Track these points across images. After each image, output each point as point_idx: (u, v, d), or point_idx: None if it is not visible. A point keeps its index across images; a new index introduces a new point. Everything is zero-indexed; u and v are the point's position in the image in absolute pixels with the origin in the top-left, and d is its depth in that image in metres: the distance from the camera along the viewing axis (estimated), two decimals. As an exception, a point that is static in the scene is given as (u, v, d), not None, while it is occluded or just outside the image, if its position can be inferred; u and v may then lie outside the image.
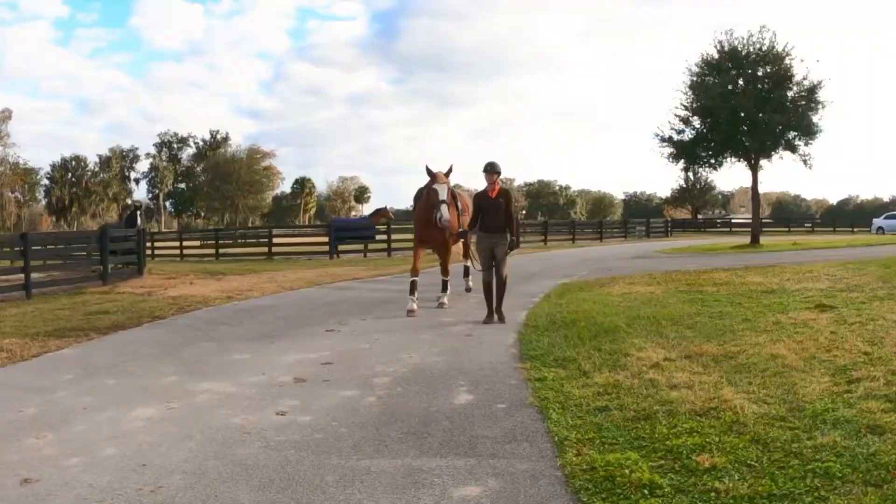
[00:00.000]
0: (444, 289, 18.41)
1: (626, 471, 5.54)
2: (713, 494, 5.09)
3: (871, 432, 6.29)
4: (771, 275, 20.80)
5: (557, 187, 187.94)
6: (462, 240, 18.88)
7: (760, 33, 45.31)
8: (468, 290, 20.15)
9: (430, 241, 18.51)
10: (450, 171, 17.93)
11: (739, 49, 45.18)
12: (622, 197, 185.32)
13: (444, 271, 18.55)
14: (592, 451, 6.14)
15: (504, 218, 15.47)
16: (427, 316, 15.97)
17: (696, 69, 46.89)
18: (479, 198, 15.91)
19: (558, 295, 18.56)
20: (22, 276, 23.25)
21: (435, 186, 17.22)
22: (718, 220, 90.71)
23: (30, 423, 7.93)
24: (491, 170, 15.59)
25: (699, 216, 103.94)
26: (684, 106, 47.28)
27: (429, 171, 17.57)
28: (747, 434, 6.35)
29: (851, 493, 5.07)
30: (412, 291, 16.99)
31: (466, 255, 20.12)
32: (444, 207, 16.80)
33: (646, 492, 5.20)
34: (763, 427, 6.53)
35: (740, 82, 45.22)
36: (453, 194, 18.40)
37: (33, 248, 24.55)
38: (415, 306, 16.52)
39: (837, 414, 6.86)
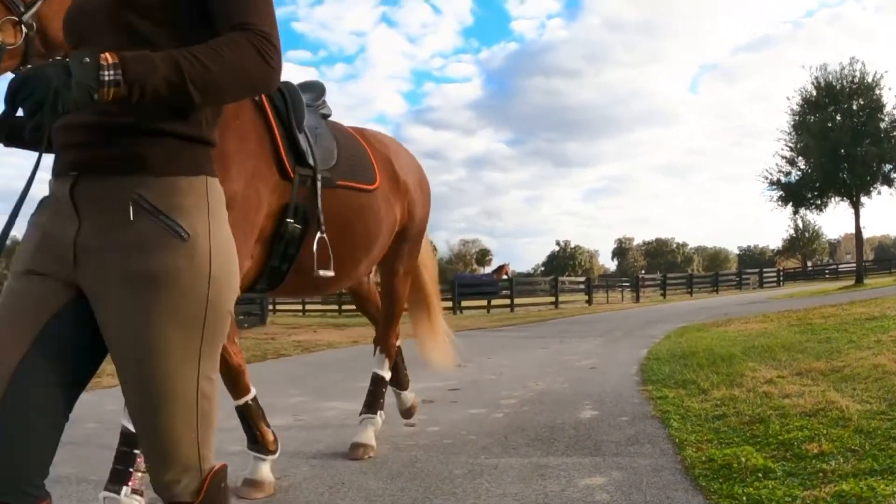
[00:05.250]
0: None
1: (743, 459, 5.64)
2: (821, 475, 5.18)
3: (973, 418, 6.25)
4: (873, 305, 20.51)
5: (675, 245, 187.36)
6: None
7: (851, 65, 44.85)
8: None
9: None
10: None
11: (834, 84, 44.65)
12: (736, 251, 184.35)
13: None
14: (711, 448, 6.23)
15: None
16: (551, 353, 15.70)
17: (796, 108, 46.55)
18: None
19: (678, 335, 18.37)
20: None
21: None
22: (827, 270, 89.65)
23: (117, 417, 8.07)
24: None
25: (808, 265, 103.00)
26: (789, 147, 46.99)
27: None
28: (851, 426, 6.40)
29: (952, 463, 5.10)
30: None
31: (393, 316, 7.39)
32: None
33: (760, 475, 5.30)
34: (866, 420, 6.57)
35: (837, 117, 44.63)
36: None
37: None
38: None
39: (938, 406, 6.84)
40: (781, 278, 72.84)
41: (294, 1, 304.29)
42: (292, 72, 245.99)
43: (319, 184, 5.32)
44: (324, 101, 6.07)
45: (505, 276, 51.32)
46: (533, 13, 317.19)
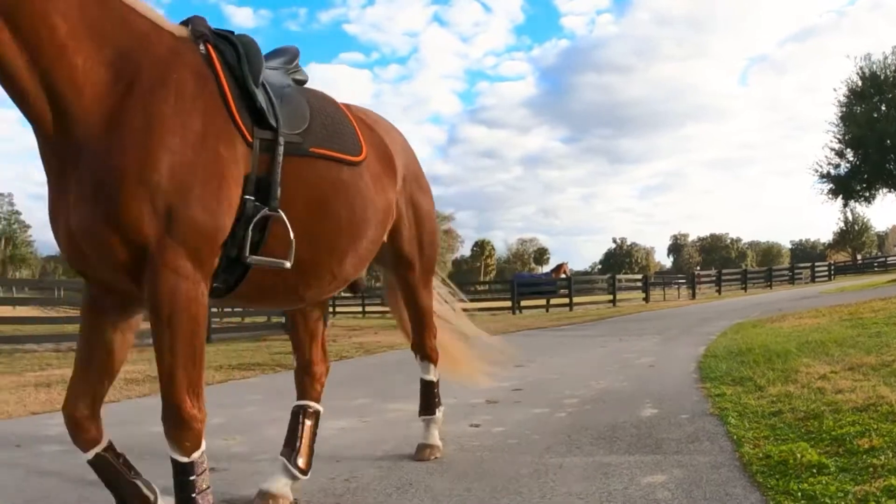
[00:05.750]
0: None
1: (798, 455, 5.71)
2: (871, 469, 5.26)
3: None
4: (921, 298, 20.39)
5: (729, 240, 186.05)
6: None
7: (893, 54, 43.98)
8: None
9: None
10: None
11: (878, 73, 43.75)
12: (789, 245, 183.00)
13: None
14: (768, 445, 6.31)
15: None
16: (610, 352, 15.84)
17: (843, 99, 45.74)
18: None
19: (734, 331, 18.47)
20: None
21: None
22: (876, 263, 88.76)
23: (217, 430, 7.93)
24: None
25: (858, 258, 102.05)
26: (837, 138, 46.23)
27: None
28: (901, 420, 6.47)
29: None
30: None
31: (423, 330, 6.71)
32: None
33: (814, 471, 5.38)
34: (916, 415, 6.64)
35: (882, 107, 43.81)
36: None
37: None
38: None
39: None
40: (832, 272, 72.23)
41: (345, 3, 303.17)
42: (345, 73, 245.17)
43: (281, 148, 4.36)
44: (297, 66, 5.20)
45: (563, 275, 51.44)
46: (582, 9, 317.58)
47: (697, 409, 8.48)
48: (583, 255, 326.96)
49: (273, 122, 4.33)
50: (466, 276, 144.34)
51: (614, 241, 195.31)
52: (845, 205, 50.95)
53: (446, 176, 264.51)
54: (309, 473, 5.58)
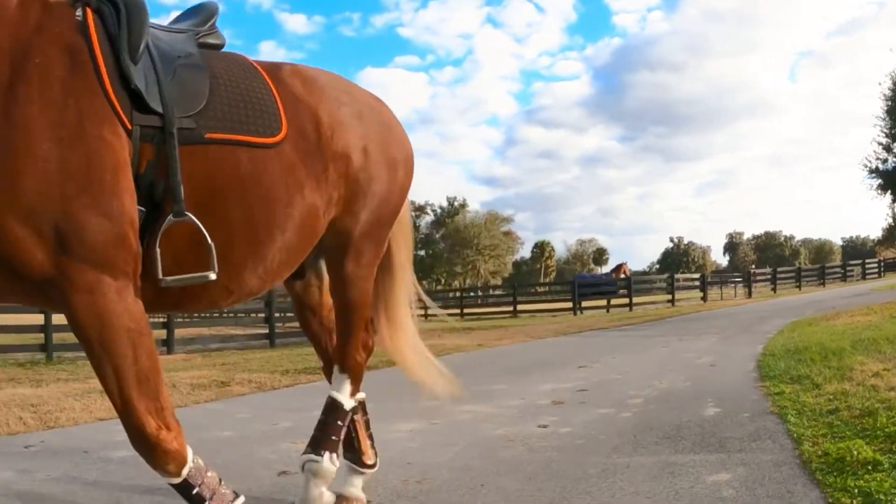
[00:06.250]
0: None
1: (854, 452, 5.80)
2: None
3: None
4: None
5: (783, 238, 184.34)
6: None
7: None
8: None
9: None
10: None
11: None
12: (840, 242, 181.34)
13: None
14: (826, 442, 6.41)
15: None
16: (671, 351, 15.94)
17: (888, 93, 45.08)
18: None
19: (790, 330, 18.58)
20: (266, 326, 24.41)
21: None
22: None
23: (285, 433, 8.07)
24: None
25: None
26: (884, 132, 45.56)
27: None
28: (954, 418, 6.54)
29: None
30: None
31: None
32: None
33: (869, 468, 5.50)
34: (966, 411, 6.71)
35: None
36: None
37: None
38: None
39: None
40: (882, 268, 71.64)
41: (398, 6, 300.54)
42: (401, 77, 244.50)
43: (175, 140, 3.46)
44: (212, 27, 4.17)
45: (623, 276, 51.53)
46: (633, 7, 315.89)
47: (758, 407, 8.56)
48: (641, 254, 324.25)
49: (157, 106, 3.45)
50: (527, 278, 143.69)
51: (671, 240, 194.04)
52: (894, 200, 50.34)
53: (504, 178, 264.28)
54: (377, 464, 5.35)
